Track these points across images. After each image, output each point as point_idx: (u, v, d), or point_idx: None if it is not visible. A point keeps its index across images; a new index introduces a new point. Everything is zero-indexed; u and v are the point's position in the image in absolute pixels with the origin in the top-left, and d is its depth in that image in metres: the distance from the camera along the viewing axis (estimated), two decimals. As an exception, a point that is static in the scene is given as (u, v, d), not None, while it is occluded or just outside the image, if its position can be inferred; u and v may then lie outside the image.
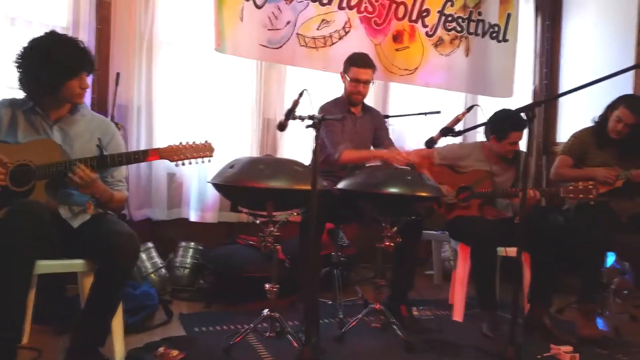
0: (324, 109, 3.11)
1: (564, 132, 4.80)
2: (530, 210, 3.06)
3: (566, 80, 4.97)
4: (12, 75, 2.18)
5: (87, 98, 3.46)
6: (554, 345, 2.53)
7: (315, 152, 2.28)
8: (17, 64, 2.14)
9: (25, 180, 2.08)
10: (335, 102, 3.22)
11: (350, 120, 3.17)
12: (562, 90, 4.99)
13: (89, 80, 2.26)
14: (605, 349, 2.69)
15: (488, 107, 4.26)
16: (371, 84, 3.16)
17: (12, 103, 2.21)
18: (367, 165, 3.03)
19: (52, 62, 2.09)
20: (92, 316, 2.09)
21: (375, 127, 3.30)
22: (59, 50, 2.11)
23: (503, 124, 3.05)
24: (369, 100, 4.30)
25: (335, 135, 3.08)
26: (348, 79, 3.14)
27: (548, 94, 5.02)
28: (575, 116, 4.57)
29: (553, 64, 5.06)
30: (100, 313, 2.10)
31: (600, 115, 3.24)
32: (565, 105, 4.96)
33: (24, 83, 2.16)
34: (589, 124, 3.31)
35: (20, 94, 2.22)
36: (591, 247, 2.93)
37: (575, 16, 4.94)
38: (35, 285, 2.22)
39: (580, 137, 3.28)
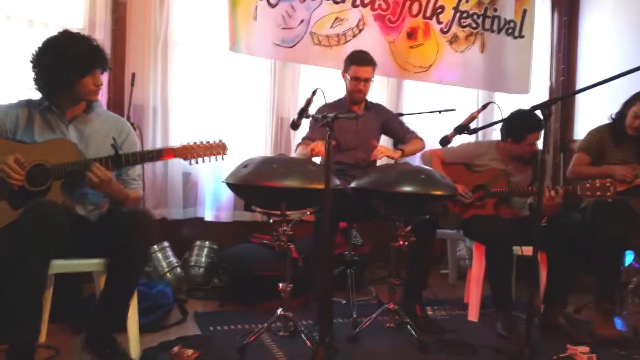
0: (321, 110, 3.07)
1: (582, 129, 4.74)
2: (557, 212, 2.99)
3: (583, 76, 4.90)
4: (30, 76, 2.21)
5: (103, 98, 3.50)
6: (571, 345, 2.49)
7: (328, 150, 2.27)
8: (32, 64, 2.18)
9: (42, 180, 2.10)
10: (335, 103, 3.18)
11: (351, 120, 3.09)
12: (579, 87, 4.92)
13: (104, 78, 2.28)
14: (623, 350, 2.65)
15: (504, 104, 4.23)
16: (371, 81, 3.12)
17: (29, 103, 2.25)
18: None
19: (66, 60, 2.12)
20: (109, 301, 2.12)
21: (382, 123, 3.26)
22: (73, 48, 2.14)
23: (520, 126, 3.01)
24: (383, 98, 4.31)
25: (312, 131, 3.13)
26: (349, 77, 3.11)
27: (565, 90, 4.96)
28: (592, 113, 4.51)
29: (570, 60, 5.00)
30: (117, 298, 2.12)
31: (617, 112, 3.19)
32: (582, 102, 4.90)
33: (39, 82, 2.19)
34: (606, 121, 3.27)
35: (38, 95, 2.25)
36: (609, 246, 2.88)
37: (592, 12, 4.87)
38: (52, 285, 2.25)
39: (597, 134, 3.23)
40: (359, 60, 3.09)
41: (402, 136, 3.24)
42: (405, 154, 3.02)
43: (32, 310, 1.93)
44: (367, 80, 3.10)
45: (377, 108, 3.32)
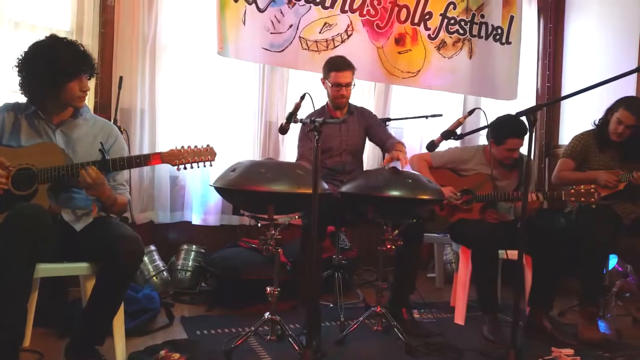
0: (308, 118, 3.05)
1: (567, 135, 4.79)
2: (535, 215, 3.04)
3: (569, 82, 4.96)
4: (16, 79, 2.19)
5: (90, 102, 3.48)
6: (555, 348, 2.53)
7: (316, 155, 2.28)
8: (18, 68, 2.16)
9: (28, 183, 2.09)
10: (318, 111, 3.12)
11: (335, 126, 3.11)
12: (565, 92, 4.98)
13: (91, 84, 2.27)
14: (607, 352, 2.68)
15: (491, 109, 4.28)
16: (352, 85, 3.10)
17: (15, 107, 2.23)
18: None
19: (52, 64, 2.10)
20: (93, 316, 2.11)
21: (365, 126, 3.24)
22: (59, 53, 2.12)
23: (501, 129, 3.05)
24: (370, 103, 4.34)
25: (303, 148, 3.14)
26: (329, 84, 3.10)
27: (550, 96, 5.01)
28: (577, 119, 4.57)
29: (556, 66, 5.06)
30: (101, 314, 2.12)
31: (600, 118, 3.24)
32: (567, 108, 4.95)
33: (25, 87, 2.18)
34: (591, 126, 3.31)
35: (24, 98, 2.23)
36: (593, 250, 2.92)
37: (578, 19, 4.94)
38: (37, 289, 2.24)
39: (581, 140, 3.28)
40: (338, 66, 3.07)
41: (385, 140, 3.19)
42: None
43: (16, 313, 1.92)
44: (348, 85, 3.08)
45: (360, 111, 3.30)
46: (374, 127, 3.27)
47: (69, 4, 3.51)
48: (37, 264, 1.99)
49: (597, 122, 3.26)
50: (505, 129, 3.04)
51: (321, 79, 3.19)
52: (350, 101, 3.26)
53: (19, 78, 2.17)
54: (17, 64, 2.16)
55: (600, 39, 4.66)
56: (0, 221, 1.98)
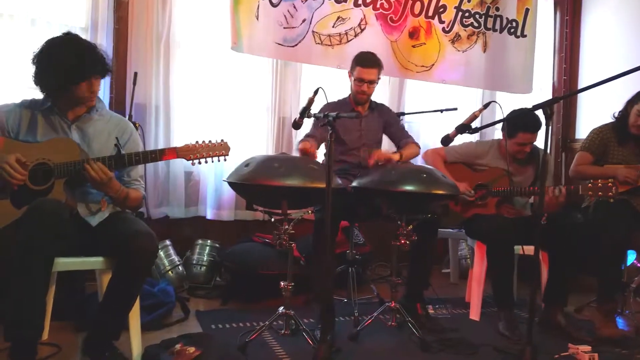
0: (324, 109, 3.06)
1: (584, 128, 4.73)
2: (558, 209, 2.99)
3: (586, 75, 4.89)
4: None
5: (105, 97, 3.51)
6: (572, 344, 2.50)
7: (329, 150, 2.28)
8: (33, 65, 2.17)
9: (44, 178, 2.11)
10: (339, 102, 3.19)
11: (355, 119, 3.12)
12: (581, 86, 4.92)
13: (105, 82, 2.27)
14: (625, 349, 2.65)
15: (506, 103, 4.23)
16: (376, 83, 3.11)
17: (32, 104, 2.25)
18: None
19: (60, 66, 2.10)
20: (109, 312, 2.13)
21: (383, 124, 3.26)
22: (69, 55, 2.11)
23: (513, 123, 3.02)
24: (384, 97, 4.31)
25: (314, 127, 3.09)
26: (353, 78, 3.11)
27: (567, 90, 4.95)
28: (595, 112, 4.51)
29: (572, 59, 4.99)
30: (117, 309, 2.13)
31: (620, 111, 3.19)
32: (584, 102, 4.89)
33: (38, 82, 2.18)
34: (609, 120, 3.26)
35: (41, 94, 2.24)
36: (610, 246, 2.88)
37: (595, 10, 4.86)
38: (55, 282, 2.26)
39: (600, 133, 3.23)
40: (364, 62, 3.07)
41: (399, 140, 3.23)
42: (403, 158, 3.01)
43: (35, 307, 1.94)
44: (371, 82, 3.08)
45: (381, 108, 3.31)
46: (390, 124, 3.28)
47: (84, 0, 3.53)
48: (55, 259, 2.01)
49: (616, 115, 3.21)
50: (516, 123, 3.01)
51: (348, 71, 3.19)
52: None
53: (33, 75, 2.17)
54: (32, 60, 2.16)
55: (619, 31, 4.59)
56: (19, 215, 2.01)
